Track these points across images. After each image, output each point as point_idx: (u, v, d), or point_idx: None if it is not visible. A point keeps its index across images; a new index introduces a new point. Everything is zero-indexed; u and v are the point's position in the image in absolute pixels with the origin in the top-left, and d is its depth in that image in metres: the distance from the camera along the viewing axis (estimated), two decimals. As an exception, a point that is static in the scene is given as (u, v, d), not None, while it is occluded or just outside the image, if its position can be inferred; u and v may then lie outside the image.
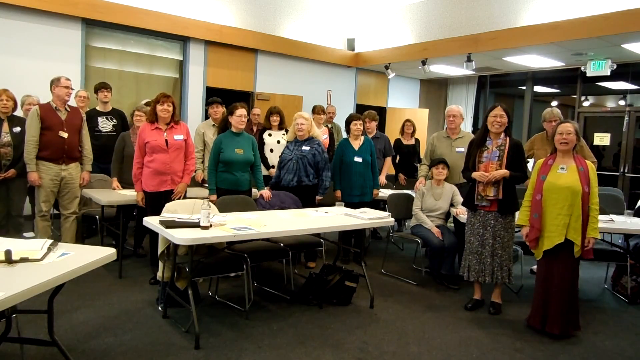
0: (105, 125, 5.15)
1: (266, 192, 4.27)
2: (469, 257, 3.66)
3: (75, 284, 3.45)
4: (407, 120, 6.39)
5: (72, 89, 4.23)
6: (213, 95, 5.64)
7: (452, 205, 4.44)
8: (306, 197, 4.39)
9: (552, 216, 3.19)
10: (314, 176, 4.47)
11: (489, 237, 3.55)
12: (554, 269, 3.24)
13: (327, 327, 3.25)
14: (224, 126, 4.37)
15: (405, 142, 6.30)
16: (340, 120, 7.02)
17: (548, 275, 3.28)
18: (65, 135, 4.14)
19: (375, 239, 6.11)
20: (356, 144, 4.83)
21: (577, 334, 3.29)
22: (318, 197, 4.52)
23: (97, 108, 5.24)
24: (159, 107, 3.81)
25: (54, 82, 4.13)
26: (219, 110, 5.02)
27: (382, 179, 5.56)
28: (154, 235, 3.67)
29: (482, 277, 3.59)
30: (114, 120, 5.21)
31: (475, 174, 3.54)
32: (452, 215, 4.40)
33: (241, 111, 4.15)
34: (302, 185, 4.42)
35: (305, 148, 4.44)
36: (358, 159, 4.76)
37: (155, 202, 3.79)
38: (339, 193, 4.83)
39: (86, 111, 5.09)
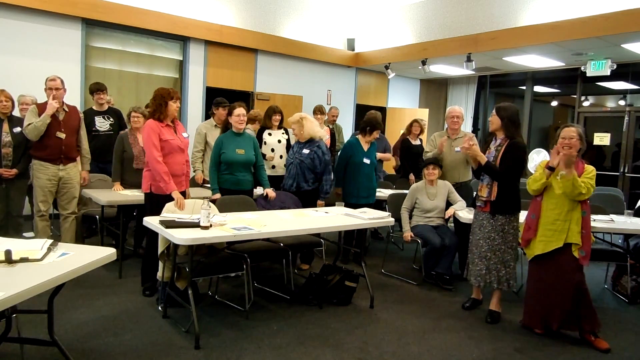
0: (103, 124, 5.15)
1: (271, 192, 4.24)
2: (469, 256, 3.66)
3: (75, 284, 3.46)
4: (415, 120, 6.25)
5: (60, 88, 4.06)
6: (213, 95, 5.64)
7: (450, 204, 4.43)
8: (306, 202, 4.34)
9: (549, 220, 3.16)
10: (313, 181, 4.43)
11: (480, 238, 3.51)
12: (552, 270, 3.19)
13: (327, 327, 3.25)
14: (224, 128, 4.37)
15: (413, 142, 6.21)
16: (340, 121, 7.04)
17: (542, 276, 3.23)
18: (62, 136, 4.12)
19: (376, 239, 6.11)
20: (366, 146, 4.81)
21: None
22: (319, 202, 4.45)
23: (94, 107, 5.23)
24: (173, 105, 3.54)
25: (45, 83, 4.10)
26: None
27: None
28: (151, 238, 3.52)
29: (476, 279, 3.54)
30: (111, 119, 5.21)
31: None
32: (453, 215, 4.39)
33: (239, 110, 4.13)
34: (300, 190, 4.40)
35: (305, 151, 4.40)
36: (367, 161, 4.73)
37: (162, 204, 3.50)
38: (339, 190, 4.77)
39: (83, 111, 5.11)
